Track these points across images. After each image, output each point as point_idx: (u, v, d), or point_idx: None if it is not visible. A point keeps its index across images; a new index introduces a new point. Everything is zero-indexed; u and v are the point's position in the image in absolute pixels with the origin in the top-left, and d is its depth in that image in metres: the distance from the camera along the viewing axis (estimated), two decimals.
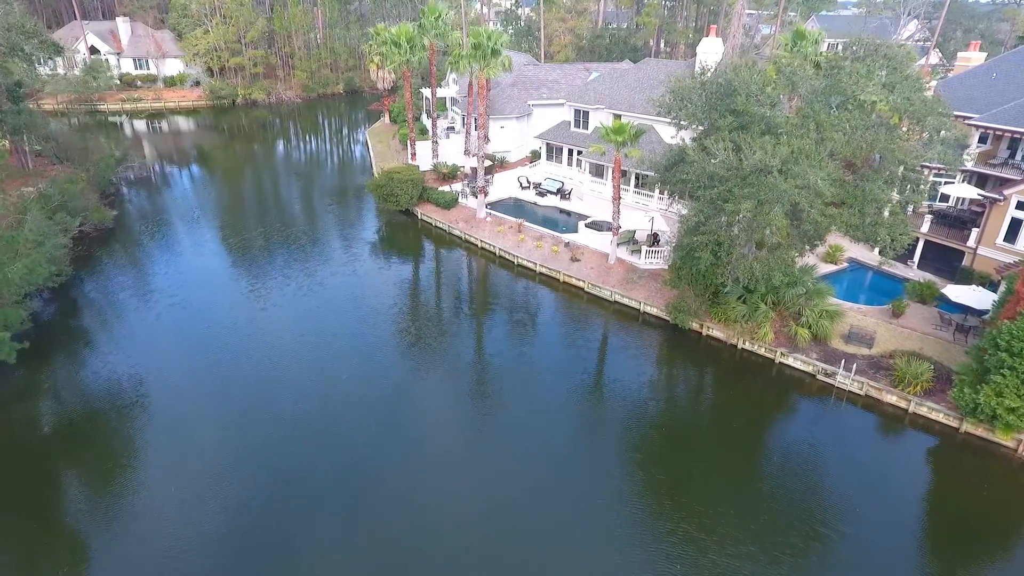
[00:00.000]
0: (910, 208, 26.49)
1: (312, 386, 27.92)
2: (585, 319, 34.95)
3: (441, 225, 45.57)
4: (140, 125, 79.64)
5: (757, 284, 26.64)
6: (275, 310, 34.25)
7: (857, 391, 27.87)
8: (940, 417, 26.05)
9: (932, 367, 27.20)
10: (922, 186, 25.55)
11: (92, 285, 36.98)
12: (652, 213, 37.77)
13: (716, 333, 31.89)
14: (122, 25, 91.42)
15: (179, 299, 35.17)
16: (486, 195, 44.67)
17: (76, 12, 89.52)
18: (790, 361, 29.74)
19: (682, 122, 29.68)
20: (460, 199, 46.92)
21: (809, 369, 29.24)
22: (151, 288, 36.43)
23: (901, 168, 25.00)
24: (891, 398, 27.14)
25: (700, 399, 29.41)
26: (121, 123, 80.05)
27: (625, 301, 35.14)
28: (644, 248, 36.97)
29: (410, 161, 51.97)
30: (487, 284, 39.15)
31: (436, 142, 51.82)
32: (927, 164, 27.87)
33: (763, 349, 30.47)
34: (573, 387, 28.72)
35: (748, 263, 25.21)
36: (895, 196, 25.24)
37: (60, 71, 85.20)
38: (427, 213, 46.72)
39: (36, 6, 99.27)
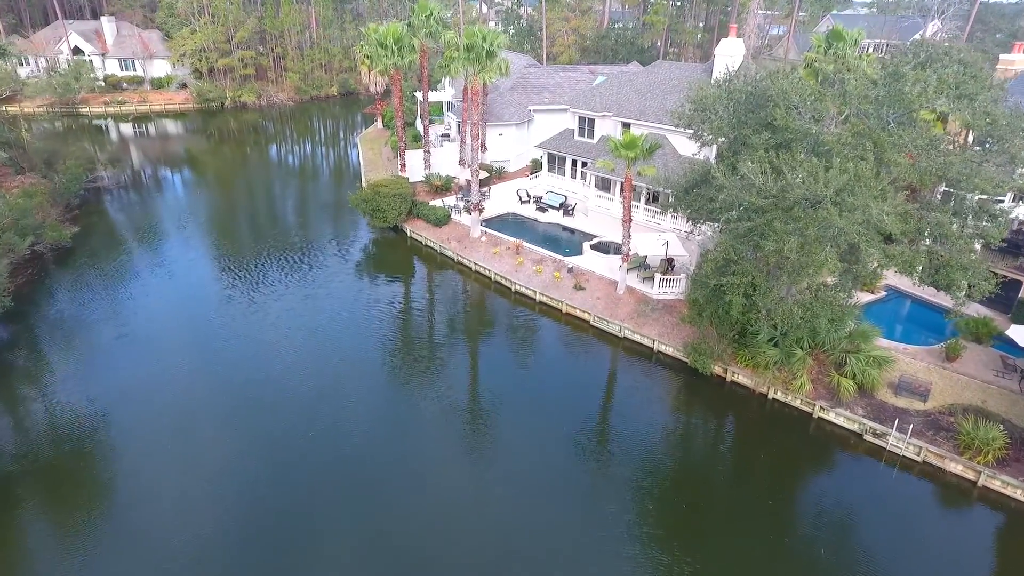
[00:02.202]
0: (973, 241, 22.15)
1: (268, 443, 23.77)
2: (591, 357, 30.77)
3: (432, 244, 41.40)
4: (123, 129, 75.71)
5: (797, 330, 22.47)
6: (236, 343, 30.07)
7: (913, 456, 23.60)
8: (1019, 494, 21.77)
9: (1004, 430, 22.92)
10: (1000, 217, 21.22)
11: (37, 314, 32.85)
12: (666, 235, 33.53)
13: (742, 379, 27.65)
14: (107, 24, 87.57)
15: (130, 331, 31.04)
16: (481, 212, 40.50)
17: (57, 11, 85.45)
18: (831, 417, 25.47)
19: (705, 136, 25.48)
20: (453, 215, 42.74)
21: (854, 427, 24.97)
22: (102, 317, 32.29)
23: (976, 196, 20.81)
24: (956, 467, 22.87)
25: (725, 459, 25.12)
26: (106, 127, 76.23)
27: (636, 338, 30.92)
28: (657, 276, 32.73)
29: (399, 172, 47.83)
30: (480, 314, 34.95)
31: (428, 151, 47.67)
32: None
33: (799, 401, 26.22)
34: (576, 439, 24.58)
35: (787, 307, 21.01)
36: (966, 230, 20.96)
37: (41, 73, 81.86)
38: (417, 230, 42.58)
39: (20, 5, 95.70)
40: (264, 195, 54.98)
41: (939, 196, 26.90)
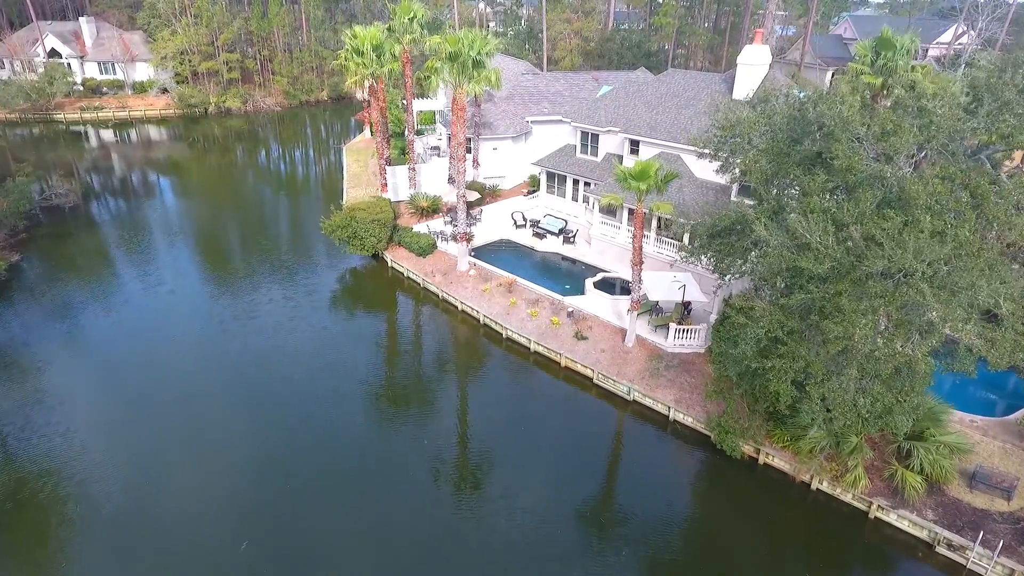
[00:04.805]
0: None
1: (190, 550, 19.04)
2: (593, 424, 25.86)
3: (414, 277, 36.57)
4: (100, 137, 71.33)
5: (865, 425, 17.65)
6: (171, 397, 25.35)
7: None
8: None
9: None
10: None
11: None
12: (682, 278, 28.55)
13: (779, 463, 22.75)
14: (86, 25, 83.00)
15: (46, 395, 26.25)
16: (469, 241, 35.67)
17: (31, 12, 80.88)
18: (892, 519, 20.53)
19: (735, 172, 20.64)
20: (439, 243, 37.89)
21: (923, 535, 20.05)
22: (18, 373, 27.60)
23: None
24: None
25: (760, 568, 20.17)
26: (85, 133, 71.88)
27: (648, 402, 26.07)
28: (672, 325, 27.84)
29: (381, 192, 43.07)
30: (466, 364, 30.08)
31: (413, 169, 42.87)
32: None
33: (851, 496, 21.31)
34: (575, 536, 19.92)
35: (850, 396, 16.20)
36: None
37: (15, 76, 77.50)
38: (398, 260, 37.75)
39: None
40: (242, 212, 50.19)
41: None
